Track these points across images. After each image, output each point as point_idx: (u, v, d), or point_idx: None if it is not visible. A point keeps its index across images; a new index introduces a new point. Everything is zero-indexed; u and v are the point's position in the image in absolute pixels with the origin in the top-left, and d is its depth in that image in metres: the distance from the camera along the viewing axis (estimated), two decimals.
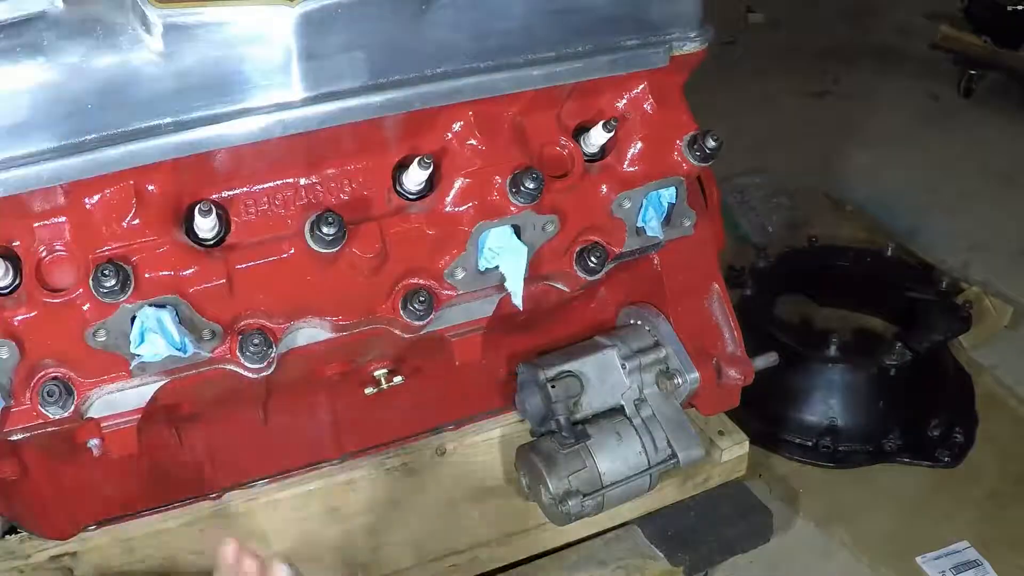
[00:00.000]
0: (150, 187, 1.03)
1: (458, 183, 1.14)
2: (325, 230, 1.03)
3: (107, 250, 1.01)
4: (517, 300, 1.20)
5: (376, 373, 1.36)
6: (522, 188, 1.12)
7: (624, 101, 1.26)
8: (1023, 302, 2.71)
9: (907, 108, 4.03)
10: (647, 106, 1.25)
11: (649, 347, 1.43)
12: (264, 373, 1.11)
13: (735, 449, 1.70)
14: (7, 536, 1.46)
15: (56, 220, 1.03)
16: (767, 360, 1.50)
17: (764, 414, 2.20)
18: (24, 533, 1.45)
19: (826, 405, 2.24)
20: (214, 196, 1.09)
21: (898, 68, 4.40)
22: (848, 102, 4.13)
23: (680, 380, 1.41)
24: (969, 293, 2.60)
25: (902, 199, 3.31)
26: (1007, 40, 3.80)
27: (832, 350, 2.22)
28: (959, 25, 3.99)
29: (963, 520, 2.05)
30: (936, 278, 2.52)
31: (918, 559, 1.95)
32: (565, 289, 1.30)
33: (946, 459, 2.20)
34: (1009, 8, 3.74)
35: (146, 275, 1.02)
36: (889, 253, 2.61)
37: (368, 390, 1.38)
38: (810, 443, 2.23)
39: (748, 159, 3.39)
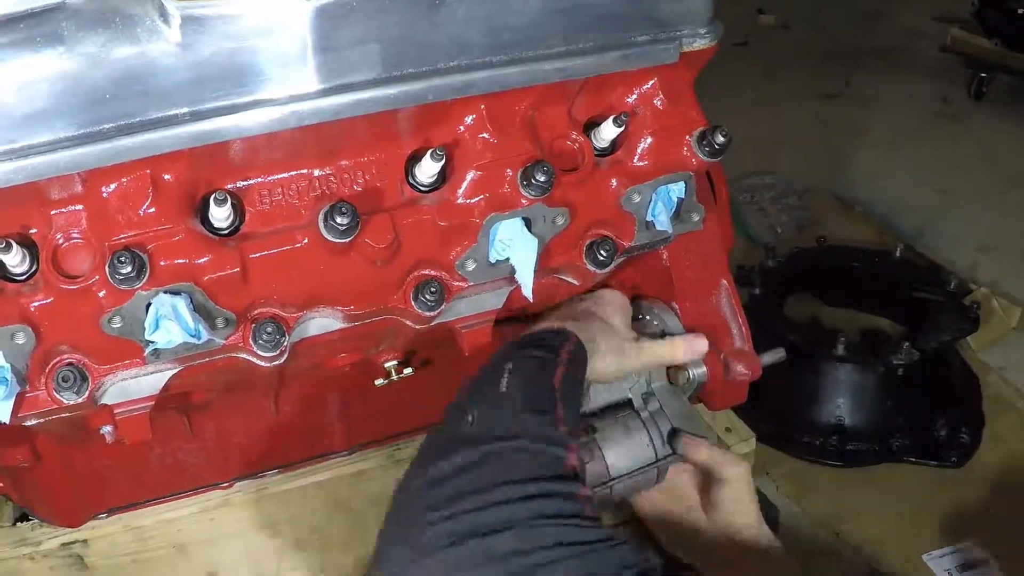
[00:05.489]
0: (166, 176, 1.04)
1: (470, 175, 1.15)
2: (338, 220, 1.04)
3: (123, 238, 1.02)
4: (527, 292, 1.21)
5: (387, 365, 1.37)
6: (533, 181, 1.13)
7: (635, 96, 1.26)
8: None
9: (917, 110, 4.03)
10: (657, 101, 1.25)
11: None
12: (276, 362, 1.12)
13: (742, 446, 1.71)
14: (19, 523, 1.47)
15: (73, 208, 1.04)
16: (774, 355, 1.50)
17: (771, 412, 2.21)
18: (35, 520, 1.47)
19: (833, 404, 2.24)
20: (229, 186, 1.09)
21: (908, 70, 4.41)
22: (858, 104, 4.13)
23: (688, 374, 1.41)
24: (977, 294, 2.60)
25: (911, 201, 3.31)
26: (1018, 43, 3.80)
27: (840, 349, 2.22)
28: (970, 28, 3.99)
29: (969, 519, 2.05)
30: (944, 279, 2.52)
31: (924, 557, 1.95)
32: (575, 282, 1.31)
33: (952, 459, 2.20)
34: (1020, 11, 3.73)
35: (161, 263, 1.03)
36: (898, 254, 2.61)
37: (379, 382, 1.39)
38: (817, 442, 2.24)
39: (758, 160, 3.40)
